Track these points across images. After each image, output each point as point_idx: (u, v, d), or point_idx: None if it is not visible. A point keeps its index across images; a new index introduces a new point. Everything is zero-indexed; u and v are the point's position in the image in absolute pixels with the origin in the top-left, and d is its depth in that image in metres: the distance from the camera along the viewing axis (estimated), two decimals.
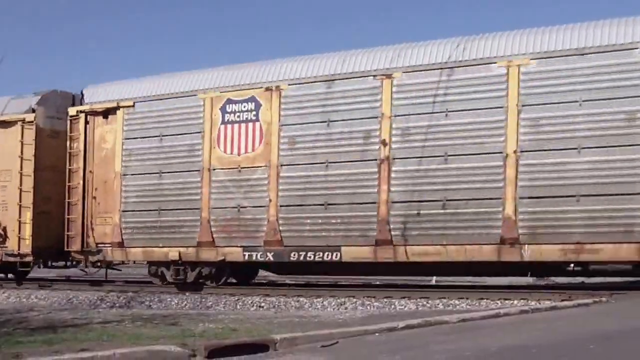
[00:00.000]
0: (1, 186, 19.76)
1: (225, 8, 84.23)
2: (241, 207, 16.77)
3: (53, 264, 21.39)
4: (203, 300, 17.80)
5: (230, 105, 17.08)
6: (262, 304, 17.15)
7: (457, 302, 16.05)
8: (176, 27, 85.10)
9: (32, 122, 19.50)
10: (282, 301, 17.30)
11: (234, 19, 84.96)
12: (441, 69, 15.22)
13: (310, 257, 15.87)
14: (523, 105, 14.36)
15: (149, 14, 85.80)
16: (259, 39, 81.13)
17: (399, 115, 15.35)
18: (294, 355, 9.66)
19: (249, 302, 17.55)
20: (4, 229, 19.58)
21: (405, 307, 15.98)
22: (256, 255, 16.68)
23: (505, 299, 15.73)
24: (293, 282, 20.90)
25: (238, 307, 16.83)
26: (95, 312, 15.79)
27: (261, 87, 17.01)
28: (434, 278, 23.32)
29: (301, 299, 17.47)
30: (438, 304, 16.00)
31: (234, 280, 19.08)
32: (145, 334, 11.40)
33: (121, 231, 18.33)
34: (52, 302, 18.79)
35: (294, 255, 16.25)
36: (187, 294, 18.75)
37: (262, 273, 21.23)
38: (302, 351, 9.93)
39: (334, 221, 15.90)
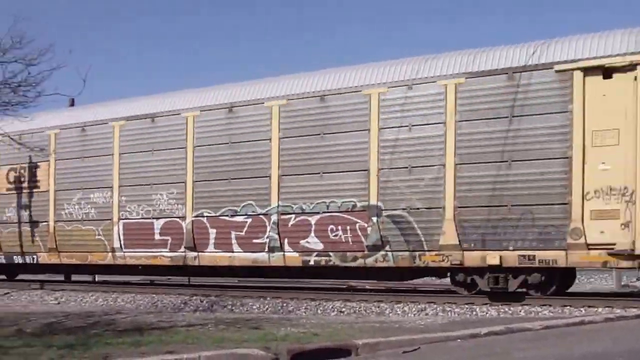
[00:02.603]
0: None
1: None
2: None
3: None
4: (284, 304, 17.71)
5: None
6: (343, 309, 17.11)
7: (539, 309, 15.78)
8: None
9: None
10: (363, 306, 17.20)
11: None
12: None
13: None
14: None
15: None
16: None
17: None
18: None
19: (330, 307, 17.47)
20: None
21: (486, 313, 15.83)
22: None
23: (590, 307, 15.43)
24: (373, 288, 20.68)
25: (319, 312, 16.94)
26: (179, 315, 15.93)
27: None
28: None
29: (382, 304, 17.34)
30: (520, 311, 15.76)
31: None
32: (229, 338, 11.55)
33: None
34: (138, 305, 19.00)
35: None
36: (268, 298, 18.22)
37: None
38: (384, 357, 9.98)
39: None
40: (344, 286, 21.03)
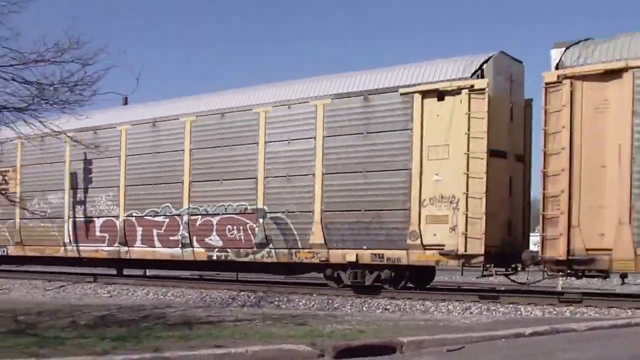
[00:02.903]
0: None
1: None
2: None
3: None
4: (330, 301, 17.88)
5: None
6: (388, 307, 16.70)
7: (584, 309, 15.30)
8: None
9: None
10: (408, 304, 16.76)
11: None
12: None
13: None
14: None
15: None
16: None
17: None
18: (420, 358, 9.54)
19: (375, 304, 17.11)
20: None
21: (531, 313, 15.30)
22: None
23: (637, 308, 14.94)
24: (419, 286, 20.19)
25: (364, 309, 16.91)
26: (227, 310, 15.73)
27: None
28: (560, 283, 21.88)
29: (426, 302, 16.83)
30: (565, 311, 15.31)
31: None
32: (275, 333, 11.58)
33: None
34: (188, 300, 18.87)
35: None
36: (314, 295, 18.48)
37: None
38: (429, 354, 9.82)
39: None
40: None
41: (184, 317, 13.73)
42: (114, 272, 24.79)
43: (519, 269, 16.19)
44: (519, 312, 15.44)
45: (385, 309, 16.50)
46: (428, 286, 18.83)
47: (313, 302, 17.82)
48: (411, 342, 10.34)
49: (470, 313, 15.84)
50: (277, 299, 18.09)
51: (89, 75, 12.39)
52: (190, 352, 9.45)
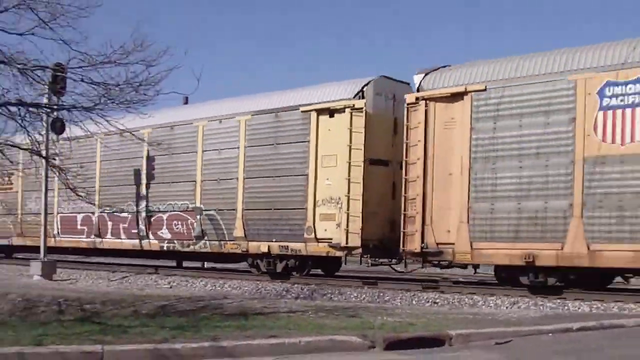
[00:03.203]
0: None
1: None
2: None
3: None
4: (381, 294, 16.98)
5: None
6: (437, 300, 16.05)
7: (633, 306, 14.41)
8: None
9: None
10: (457, 298, 16.07)
11: None
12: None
13: None
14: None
15: None
16: None
17: None
18: (468, 351, 9.17)
19: (424, 298, 16.35)
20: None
21: (579, 308, 14.59)
22: None
23: None
24: (467, 280, 19.74)
25: (414, 302, 16.12)
26: (281, 301, 15.09)
27: None
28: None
29: (475, 296, 16.08)
30: (613, 307, 14.45)
31: None
32: (328, 325, 10.96)
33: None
34: (244, 291, 18.35)
35: None
36: (365, 288, 17.78)
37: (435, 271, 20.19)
38: (477, 347, 9.39)
39: None
40: (438, 278, 20.02)
41: (240, 308, 13.20)
42: (174, 264, 24.79)
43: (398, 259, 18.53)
44: (566, 307, 14.69)
45: (434, 303, 15.89)
46: (476, 281, 19.42)
47: (364, 295, 16.94)
48: (459, 335, 9.87)
49: (518, 307, 14.78)
50: (329, 291, 17.59)
51: (153, 76, 12.04)
52: (247, 341, 9.03)
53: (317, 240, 18.76)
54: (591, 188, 14.58)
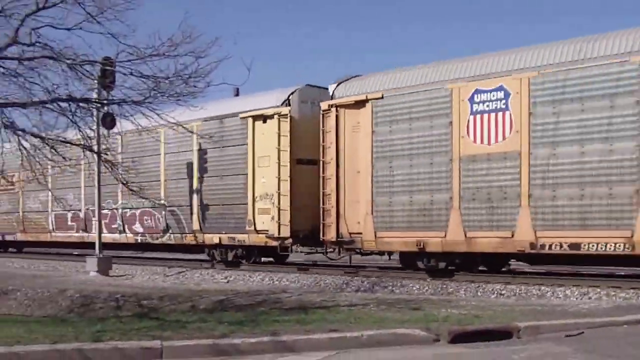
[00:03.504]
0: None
1: None
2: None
3: None
4: (444, 286, 15.44)
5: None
6: (503, 292, 14.72)
7: None
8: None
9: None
10: (523, 289, 14.54)
11: None
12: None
13: None
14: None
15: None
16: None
17: None
18: (538, 343, 8.10)
19: (490, 289, 14.92)
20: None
21: None
22: None
23: None
24: (534, 271, 17.55)
25: (479, 293, 14.67)
26: (341, 295, 13.58)
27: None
28: None
29: (543, 287, 14.45)
30: None
31: None
32: (390, 318, 9.74)
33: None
34: (302, 285, 16.84)
35: None
36: (428, 279, 16.41)
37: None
38: (546, 340, 8.29)
39: None
40: (504, 269, 18.34)
41: (299, 302, 11.91)
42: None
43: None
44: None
45: (500, 294, 14.45)
46: (544, 271, 17.83)
47: (427, 287, 15.54)
48: (528, 327, 8.81)
49: (589, 298, 13.48)
50: (390, 284, 16.20)
51: (202, 68, 11.32)
52: (307, 336, 8.16)
53: (257, 231, 19.74)
54: (466, 183, 15.70)
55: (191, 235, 21.91)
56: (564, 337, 8.31)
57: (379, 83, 17.61)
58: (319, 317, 9.95)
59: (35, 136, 11.30)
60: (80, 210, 25.85)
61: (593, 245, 13.99)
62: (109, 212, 24.64)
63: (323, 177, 18.34)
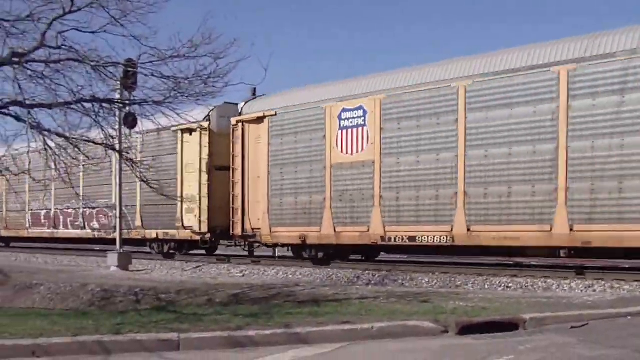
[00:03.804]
0: None
1: None
2: None
3: None
4: (452, 279, 14.66)
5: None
6: (510, 284, 14.06)
7: None
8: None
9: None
10: (530, 282, 13.80)
11: None
12: None
13: None
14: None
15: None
16: None
17: None
18: (543, 335, 7.68)
19: (497, 282, 14.27)
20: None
21: None
22: None
23: None
24: (540, 264, 17.46)
25: (486, 286, 13.89)
26: (353, 288, 12.64)
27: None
28: None
29: (549, 280, 13.78)
30: None
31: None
32: (400, 310, 9.13)
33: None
34: (315, 279, 15.75)
35: None
36: (436, 273, 15.88)
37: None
38: (552, 331, 7.82)
39: None
40: (511, 262, 17.91)
41: (312, 295, 11.14)
42: (246, 253, 22.35)
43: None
44: None
45: (507, 287, 13.73)
46: (549, 264, 17.71)
47: (436, 280, 14.88)
48: (534, 319, 8.31)
49: (594, 291, 12.96)
50: (400, 277, 15.38)
51: (221, 68, 10.77)
52: (319, 327, 7.72)
53: (185, 228, 21.52)
54: (336, 186, 17.99)
55: (135, 231, 23.84)
56: (569, 329, 8.04)
57: (274, 102, 19.31)
58: (331, 309, 9.05)
59: (60, 136, 11.53)
60: (50, 209, 28.09)
61: (425, 238, 16.08)
62: (73, 211, 27.09)
63: (232, 181, 20.34)
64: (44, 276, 15.59)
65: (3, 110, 10.14)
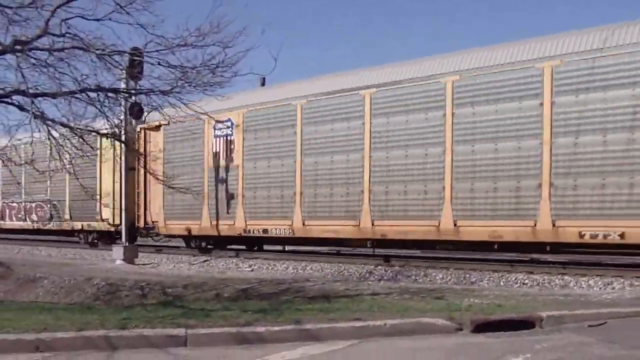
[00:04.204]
0: None
1: None
2: None
3: None
4: (467, 275, 14.25)
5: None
6: (526, 281, 13.80)
7: None
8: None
9: None
10: (546, 279, 13.70)
11: None
12: None
13: None
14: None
15: None
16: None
17: None
18: (560, 333, 7.61)
19: (513, 279, 13.91)
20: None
21: None
22: None
23: None
24: (556, 260, 16.84)
25: (502, 283, 13.60)
26: (364, 284, 12.14)
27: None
28: None
29: (565, 277, 13.67)
30: None
31: None
32: (413, 307, 8.96)
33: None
34: (326, 274, 15.11)
35: None
36: (451, 269, 15.52)
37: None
38: (569, 330, 7.84)
39: None
40: (527, 259, 17.33)
41: (323, 291, 10.83)
42: (255, 247, 21.25)
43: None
44: None
45: (523, 284, 13.43)
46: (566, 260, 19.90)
47: (450, 277, 14.51)
48: (551, 317, 8.29)
49: (612, 289, 12.64)
50: (414, 273, 15.08)
51: (229, 57, 10.42)
52: (330, 324, 7.52)
53: (103, 220, 23.84)
54: (211, 186, 21.82)
55: (65, 222, 26.60)
56: (586, 327, 7.89)
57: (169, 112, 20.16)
58: (342, 306, 8.75)
59: (65, 126, 11.41)
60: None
61: (274, 230, 18.43)
62: (16, 205, 30.55)
63: (137, 180, 22.42)
64: (48, 269, 15.39)
65: (6, 99, 9.92)
